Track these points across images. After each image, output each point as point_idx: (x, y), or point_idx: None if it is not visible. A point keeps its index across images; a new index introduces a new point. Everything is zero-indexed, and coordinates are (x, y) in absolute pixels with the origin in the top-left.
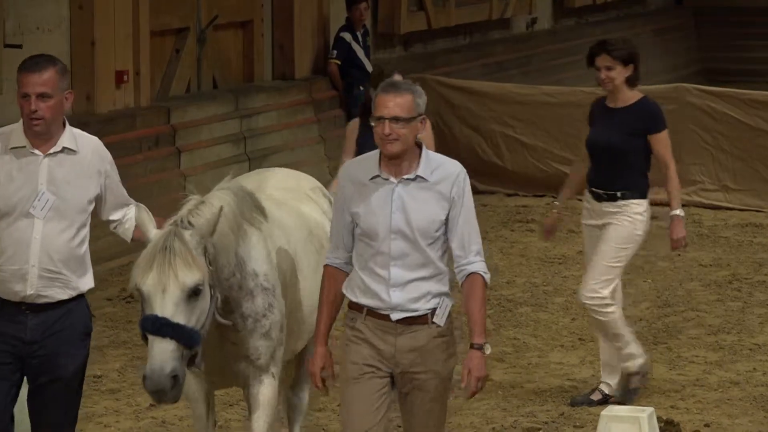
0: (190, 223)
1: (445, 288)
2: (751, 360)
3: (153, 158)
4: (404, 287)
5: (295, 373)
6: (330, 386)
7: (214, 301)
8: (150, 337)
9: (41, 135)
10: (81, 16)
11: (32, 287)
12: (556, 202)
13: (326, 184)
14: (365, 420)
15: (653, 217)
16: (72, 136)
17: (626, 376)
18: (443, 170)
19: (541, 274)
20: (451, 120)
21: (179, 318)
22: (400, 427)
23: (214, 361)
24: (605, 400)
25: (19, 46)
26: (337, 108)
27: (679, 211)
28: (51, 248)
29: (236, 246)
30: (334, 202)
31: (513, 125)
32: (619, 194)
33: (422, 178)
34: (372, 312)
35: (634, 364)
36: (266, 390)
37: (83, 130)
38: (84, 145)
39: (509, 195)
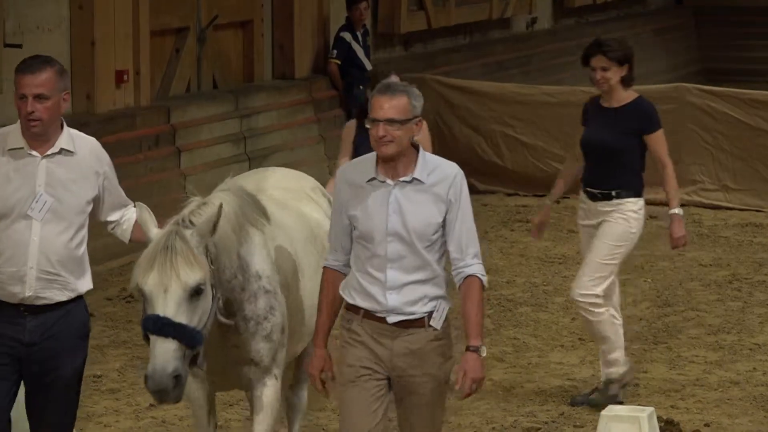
0: (191, 222)
1: (442, 291)
2: (751, 360)
3: (153, 158)
4: (401, 290)
5: (294, 372)
6: (330, 388)
7: (216, 301)
8: (152, 337)
9: (39, 136)
10: (81, 16)
11: (31, 289)
12: (547, 201)
13: (325, 183)
14: (363, 423)
15: (653, 217)
16: (70, 137)
17: (607, 382)
18: (440, 172)
19: (541, 273)
20: (451, 120)
21: (181, 318)
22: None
23: (216, 361)
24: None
25: (19, 46)
26: (337, 108)
27: (678, 210)
28: (49, 250)
29: (238, 247)
30: (332, 205)
31: (513, 125)
32: (614, 193)
33: (418, 180)
34: (368, 314)
35: (617, 371)
36: (269, 392)
37: (83, 129)
38: (82, 147)
39: (509, 195)
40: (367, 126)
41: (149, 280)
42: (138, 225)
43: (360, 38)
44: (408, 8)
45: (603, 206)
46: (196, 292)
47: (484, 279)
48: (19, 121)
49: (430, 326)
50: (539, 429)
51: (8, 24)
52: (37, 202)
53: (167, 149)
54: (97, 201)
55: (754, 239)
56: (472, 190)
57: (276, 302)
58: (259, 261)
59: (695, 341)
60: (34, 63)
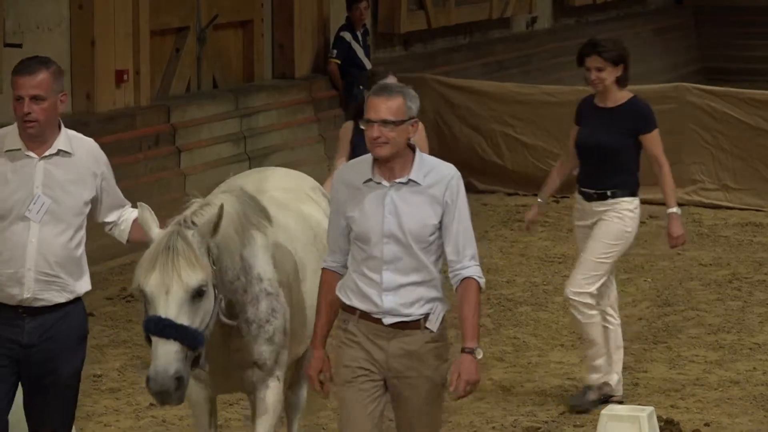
0: (193, 222)
1: (439, 293)
2: (751, 359)
3: (153, 157)
4: (397, 291)
5: (293, 372)
6: (328, 388)
7: (218, 302)
8: (153, 339)
9: (35, 137)
10: (81, 16)
11: (29, 291)
12: (539, 199)
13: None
14: (361, 423)
15: (653, 217)
16: (67, 138)
17: (586, 387)
18: (436, 174)
19: (541, 273)
20: (451, 119)
21: (183, 319)
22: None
23: (218, 364)
24: (605, 400)
25: (19, 46)
26: (337, 107)
27: (676, 209)
28: (47, 251)
29: (241, 248)
30: (330, 206)
31: (513, 124)
32: (609, 193)
33: (414, 182)
34: (364, 315)
35: (597, 378)
36: (271, 394)
37: (83, 129)
38: (79, 147)
39: (509, 194)
40: (362, 127)
41: (151, 281)
42: (136, 225)
43: (360, 38)
44: (408, 8)
45: (598, 206)
46: (197, 294)
47: (482, 281)
48: (16, 122)
49: (426, 328)
50: (539, 428)
51: (8, 23)
52: (34, 203)
53: (167, 149)
54: (95, 202)
55: (754, 239)
56: (472, 189)
57: (278, 304)
58: (261, 263)
59: (695, 341)
60: (30, 64)
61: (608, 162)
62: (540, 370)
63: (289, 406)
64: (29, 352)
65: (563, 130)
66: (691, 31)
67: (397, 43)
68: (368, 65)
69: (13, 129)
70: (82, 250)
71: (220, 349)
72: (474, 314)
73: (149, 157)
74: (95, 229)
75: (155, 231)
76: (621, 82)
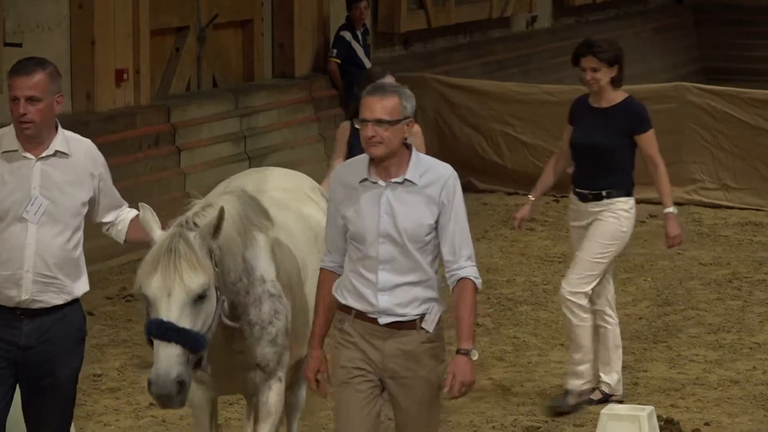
0: (195, 224)
1: (435, 293)
2: (751, 359)
3: (153, 157)
4: (392, 291)
5: (293, 372)
6: (325, 388)
7: (220, 304)
8: (155, 342)
9: (32, 138)
10: (81, 15)
11: (27, 292)
12: (531, 197)
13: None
14: (357, 424)
15: (653, 216)
16: (64, 139)
17: (566, 392)
18: (433, 174)
19: (541, 272)
20: (451, 119)
21: (185, 322)
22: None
23: (221, 366)
24: (605, 399)
25: (19, 45)
26: (337, 107)
27: (672, 209)
28: (45, 253)
29: (243, 250)
30: (327, 206)
31: (513, 124)
32: (604, 193)
33: (410, 181)
34: (360, 315)
35: (578, 385)
36: (274, 396)
37: (83, 128)
38: (76, 148)
39: (509, 194)
40: (357, 126)
41: (152, 284)
42: (133, 225)
43: (360, 37)
44: (408, 7)
45: (593, 206)
46: (200, 296)
47: (478, 282)
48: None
49: (422, 328)
50: (539, 428)
51: (8, 23)
52: (32, 204)
53: (167, 148)
54: (92, 202)
55: (754, 238)
56: (472, 189)
57: (281, 306)
58: (264, 264)
59: (695, 340)
60: (26, 65)
61: (603, 162)
62: (540, 369)
63: (288, 406)
64: (27, 354)
65: (563, 130)
66: (691, 30)
67: (397, 42)
68: (368, 65)
69: (9, 130)
70: (80, 251)
71: (222, 350)
72: (470, 315)
73: (149, 156)
74: (94, 228)
75: (157, 233)
76: (616, 82)
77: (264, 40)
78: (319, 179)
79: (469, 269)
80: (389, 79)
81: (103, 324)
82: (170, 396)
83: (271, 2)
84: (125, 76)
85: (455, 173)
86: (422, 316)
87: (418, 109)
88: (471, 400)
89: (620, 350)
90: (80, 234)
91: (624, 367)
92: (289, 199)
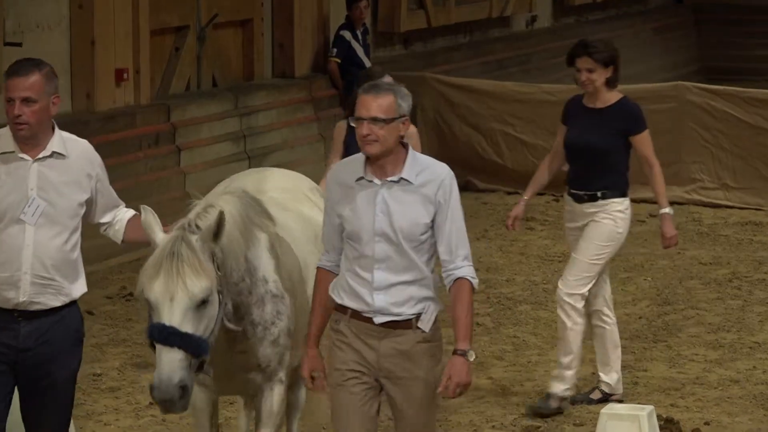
0: (197, 226)
1: (431, 293)
2: (750, 358)
3: (153, 156)
4: (388, 290)
5: (293, 372)
6: (321, 386)
7: (222, 307)
8: (157, 347)
9: (28, 140)
10: (81, 15)
11: (25, 294)
12: (525, 196)
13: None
14: (353, 428)
15: (653, 215)
16: (61, 140)
17: (549, 395)
18: (429, 173)
19: (540, 272)
20: (450, 118)
21: (187, 327)
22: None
23: (222, 367)
24: (605, 399)
25: (19, 45)
26: (337, 106)
27: (668, 210)
28: (43, 254)
29: (246, 250)
30: (324, 205)
31: (513, 123)
32: (599, 194)
33: (406, 180)
34: (356, 314)
35: (561, 389)
36: (275, 397)
37: (83, 128)
38: (73, 149)
39: (509, 193)
40: (353, 125)
41: (155, 288)
42: (130, 225)
43: (360, 37)
44: (408, 7)
45: (588, 208)
46: (202, 301)
47: (475, 281)
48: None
49: (417, 328)
50: (539, 427)
51: (8, 23)
52: (29, 206)
53: (167, 148)
54: (89, 203)
55: (754, 238)
56: (472, 188)
57: (283, 306)
58: (266, 264)
59: (695, 339)
60: (22, 66)
61: (598, 163)
62: (540, 368)
63: (288, 406)
64: (25, 356)
65: (557, 129)
66: (690, 30)
67: (397, 42)
68: (368, 64)
69: (6, 131)
70: (77, 252)
71: (224, 351)
72: (467, 315)
73: (149, 156)
74: (93, 228)
75: (159, 236)
76: (611, 83)
77: (264, 39)
78: (319, 179)
79: (465, 269)
80: (388, 80)
81: (103, 323)
82: (173, 401)
83: (271, 2)
84: (125, 75)
85: (452, 173)
86: (418, 316)
87: (418, 109)
88: (471, 400)
89: (619, 350)
90: (78, 235)
91: (624, 367)
92: (288, 200)
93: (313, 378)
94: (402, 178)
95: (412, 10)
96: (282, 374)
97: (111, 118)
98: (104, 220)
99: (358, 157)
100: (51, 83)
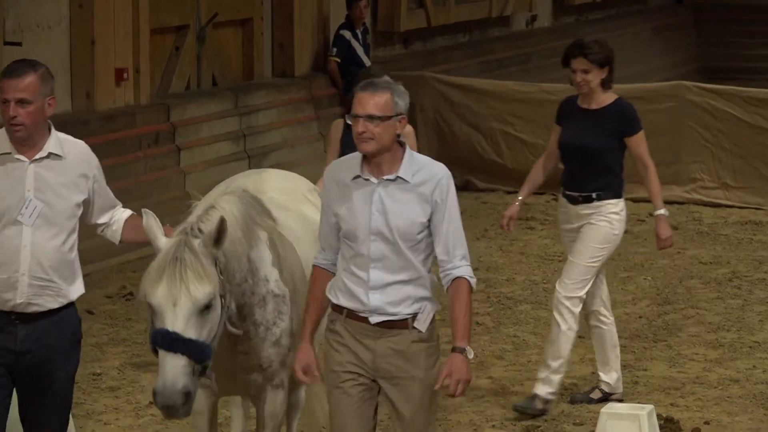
0: (200, 230)
1: (428, 293)
2: (750, 357)
3: (153, 156)
4: (383, 290)
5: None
6: (312, 378)
7: (225, 311)
8: (161, 352)
9: (24, 141)
10: (81, 15)
11: (22, 295)
12: (519, 197)
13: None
14: (350, 428)
15: (653, 215)
16: (58, 141)
17: (534, 396)
18: (426, 172)
19: (540, 271)
20: (450, 118)
21: (190, 332)
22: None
23: (224, 367)
24: (605, 398)
25: (19, 44)
26: (337, 106)
27: (663, 211)
28: (41, 255)
29: (248, 250)
30: (321, 203)
31: (513, 123)
32: (594, 195)
33: (403, 179)
34: (351, 314)
35: (546, 392)
36: (276, 397)
37: (83, 128)
38: (70, 150)
39: (509, 192)
40: (349, 122)
41: (158, 293)
42: (128, 225)
43: (360, 36)
44: (408, 6)
45: (583, 209)
46: (206, 306)
47: (473, 281)
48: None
49: (414, 328)
50: (539, 426)
51: (8, 22)
52: (27, 207)
53: (167, 147)
54: (86, 204)
55: (754, 237)
56: (472, 188)
57: (285, 306)
58: (267, 264)
59: (695, 339)
60: (17, 67)
61: (593, 164)
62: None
63: (288, 406)
64: (23, 359)
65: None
66: (690, 29)
67: (396, 41)
68: (368, 64)
69: (2, 132)
70: (75, 253)
71: (225, 352)
72: (465, 314)
73: (149, 155)
74: (92, 227)
75: (162, 240)
76: (606, 84)
77: (264, 39)
78: (319, 178)
79: (463, 268)
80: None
81: (103, 323)
82: (176, 407)
83: (271, 1)
84: (125, 75)
85: (449, 173)
86: (414, 316)
87: (418, 108)
88: (471, 399)
89: (617, 349)
90: (75, 236)
91: (624, 366)
92: (288, 200)
93: (305, 372)
94: (399, 177)
95: (411, 9)
96: (283, 375)
97: (111, 117)
98: (101, 220)
99: (356, 156)
100: (46, 84)
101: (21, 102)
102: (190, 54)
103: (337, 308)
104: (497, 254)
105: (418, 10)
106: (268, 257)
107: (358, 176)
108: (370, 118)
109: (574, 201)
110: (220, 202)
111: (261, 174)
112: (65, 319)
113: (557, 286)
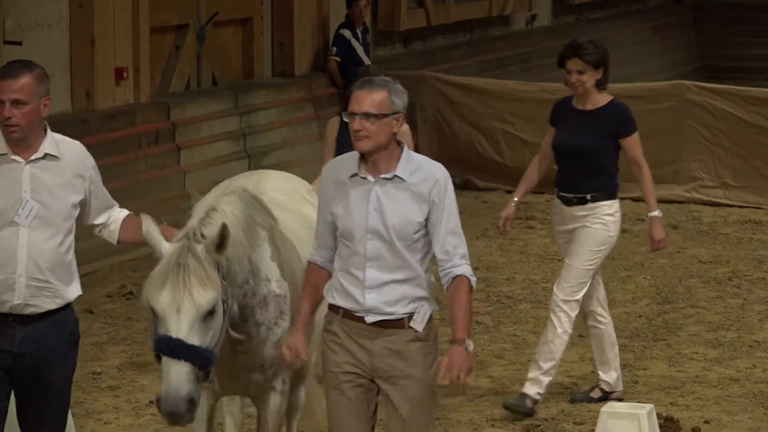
0: (202, 235)
1: (425, 292)
2: (750, 357)
3: (153, 155)
4: (380, 289)
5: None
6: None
7: (227, 315)
8: (164, 359)
9: (20, 141)
10: (81, 14)
11: (20, 297)
12: (515, 197)
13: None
14: (348, 429)
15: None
16: (54, 141)
17: (524, 395)
18: (424, 172)
19: (540, 270)
20: (450, 117)
21: (194, 339)
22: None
23: (225, 367)
24: (605, 397)
25: (19, 43)
26: (337, 105)
27: (657, 212)
28: (38, 256)
29: (250, 251)
30: (318, 201)
31: (513, 122)
32: (588, 197)
33: (400, 178)
34: (348, 314)
35: (534, 392)
36: (277, 398)
37: (83, 127)
38: (66, 151)
39: (509, 192)
40: (346, 120)
41: (161, 299)
42: (125, 225)
43: (360, 35)
44: (408, 5)
45: (578, 211)
46: (209, 312)
47: (473, 280)
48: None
49: (410, 328)
50: (539, 426)
51: (8, 22)
52: (23, 208)
53: (167, 146)
54: (83, 205)
55: (754, 236)
56: (472, 187)
57: (286, 306)
58: (268, 264)
59: (695, 338)
60: (12, 68)
61: (587, 165)
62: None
63: (288, 406)
64: (21, 361)
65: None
66: (690, 28)
67: (396, 40)
68: (368, 63)
69: None
70: (71, 254)
71: (227, 352)
72: (465, 312)
73: (149, 154)
74: (90, 226)
75: (164, 245)
76: (601, 84)
77: (264, 38)
78: (317, 177)
79: (463, 267)
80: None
81: (103, 322)
82: (180, 414)
83: (271, 1)
84: (125, 74)
85: (447, 172)
86: (410, 315)
87: (418, 107)
88: (470, 399)
89: (616, 348)
90: (72, 237)
91: (624, 365)
92: (287, 201)
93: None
94: (396, 176)
95: (411, 8)
96: (284, 376)
97: (111, 116)
98: (98, 221)
99: (353, 154)
100: (42, 85)
101: (16, 103)
102: (190, 53)
103: (334, 308)
104: (497, 253)
105: (418, 9)
106: (268, 257)
107: (355, 174)
108: (367, 115)
109: (568, 202)
110: (221, 204)
111: (260, 175)
112: (63, 320)
113: (555, 288)
